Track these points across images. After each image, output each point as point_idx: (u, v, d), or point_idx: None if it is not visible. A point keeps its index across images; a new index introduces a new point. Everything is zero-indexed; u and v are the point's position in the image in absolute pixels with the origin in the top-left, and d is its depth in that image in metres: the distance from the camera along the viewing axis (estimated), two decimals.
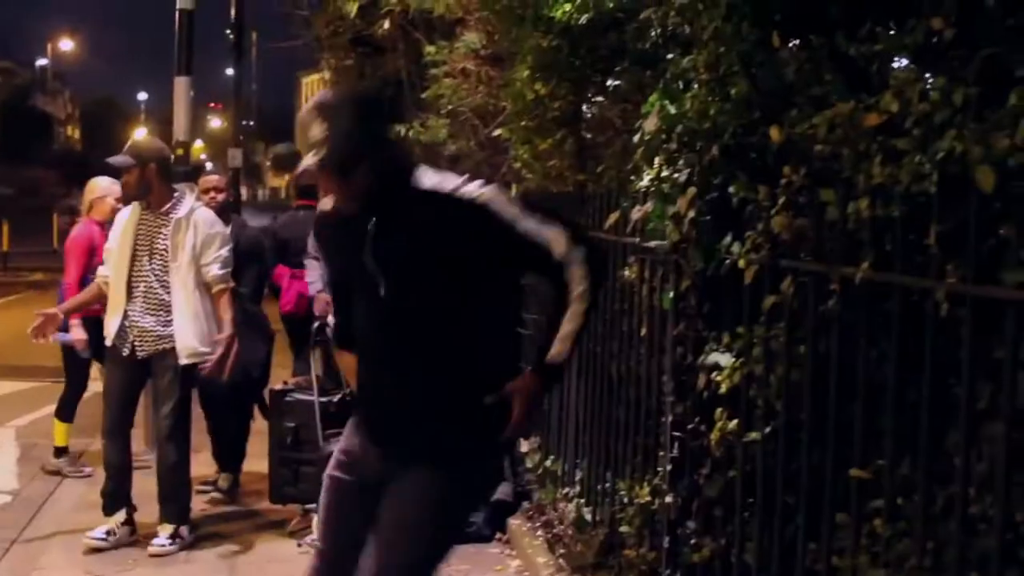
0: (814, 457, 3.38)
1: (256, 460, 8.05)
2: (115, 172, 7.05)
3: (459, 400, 3.62)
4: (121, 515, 6.98)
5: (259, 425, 8.15)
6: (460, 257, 3.52)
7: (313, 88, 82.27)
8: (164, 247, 6.80)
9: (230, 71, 30.95)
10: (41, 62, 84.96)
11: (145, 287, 6.82)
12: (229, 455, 8.20)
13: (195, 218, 6.84)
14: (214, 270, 6.81)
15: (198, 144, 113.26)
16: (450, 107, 8.89)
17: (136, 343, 6.81)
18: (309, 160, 3.43)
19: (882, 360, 3.00)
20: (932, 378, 2.74)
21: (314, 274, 7.54)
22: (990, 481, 2.61)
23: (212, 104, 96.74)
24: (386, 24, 9.51)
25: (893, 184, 2.80)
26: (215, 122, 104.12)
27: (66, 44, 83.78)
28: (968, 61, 2.80)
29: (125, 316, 6.79)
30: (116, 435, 7.00)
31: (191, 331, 6.83)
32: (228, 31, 25.77)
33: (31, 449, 9.92)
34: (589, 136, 6.38)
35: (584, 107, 6.33)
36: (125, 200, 7.02)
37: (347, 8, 10.54)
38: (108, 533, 6.90)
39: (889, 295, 2.91)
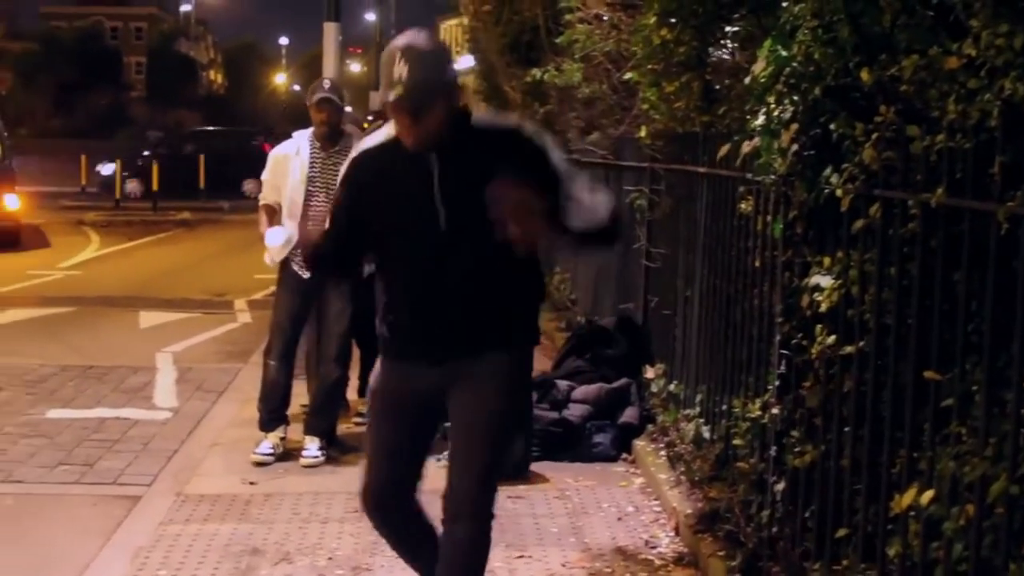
0: (900, 368, 3.76)
1: None
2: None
3: (505, 307, 4.13)
4: (280, 430, 7.57)
5: None
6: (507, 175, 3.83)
7: (452, 33, 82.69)
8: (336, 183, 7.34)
9: (371, 16, 31.36)
10: (185, 8, 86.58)
11: (317, 222, 7.35)
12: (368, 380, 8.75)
13: None
14: None
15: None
16: (584, 52, 9.25)
17: None
18: (386, 96, 3.81)
19: (955, 279, 3.37)
20: (994, 291, 3.11)
21: None
22: None
23: (352, 49, 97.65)
24: None
25: (965, 120, 3.16)
26: (355, 67, 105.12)
27: None
28: None
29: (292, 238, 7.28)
30: (284, 354, 7.57)
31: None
32: None
33: (187, 372, 10.65)
34: (712, 79, 6.71)
35: (709, 51, 6.66)
36: (330, 137, 7.46)
37: None
38: (272, 448, 7.49)
39: (960, 218, 3.28)
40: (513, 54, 14.97)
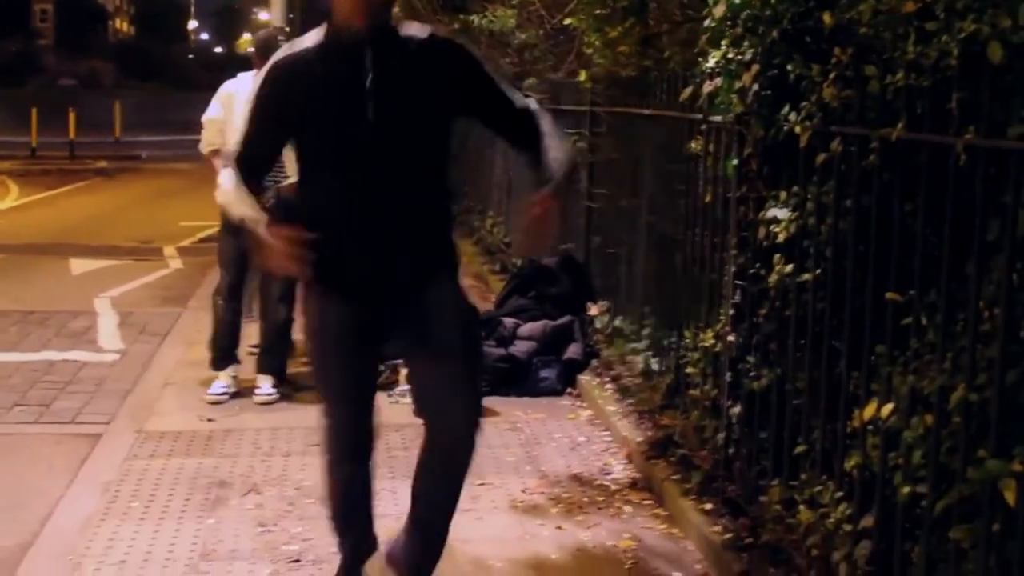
0: (856, 295, 4.04)
1: None
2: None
3: (443, 224, 4.22)
4: (232, 369, 7.76)
5: None
6: (446, 92, 4.01)
7: None
8: None
9: None
10: None
11: None
12: None
13: None
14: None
15: (245, 37, 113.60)
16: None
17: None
18: None
19: (913, 210, 3.65)
20: (952, 220, 3.39)
21: None
22: (995, 301, 3.25)
23: None
24: None
25: (923, 59, 3.43)
26: (263, 15, 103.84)
27: None
28: None
29: None
30: (233, 297, 7.75)
31: None
32: None
33: (128, 316, 10.77)
34: (653, 24, 6.95)
35: None
36: None
37: None
38: (225, 387, 7.68)
39: (919, 151, 3.55)
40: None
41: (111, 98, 34.88)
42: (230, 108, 7.55)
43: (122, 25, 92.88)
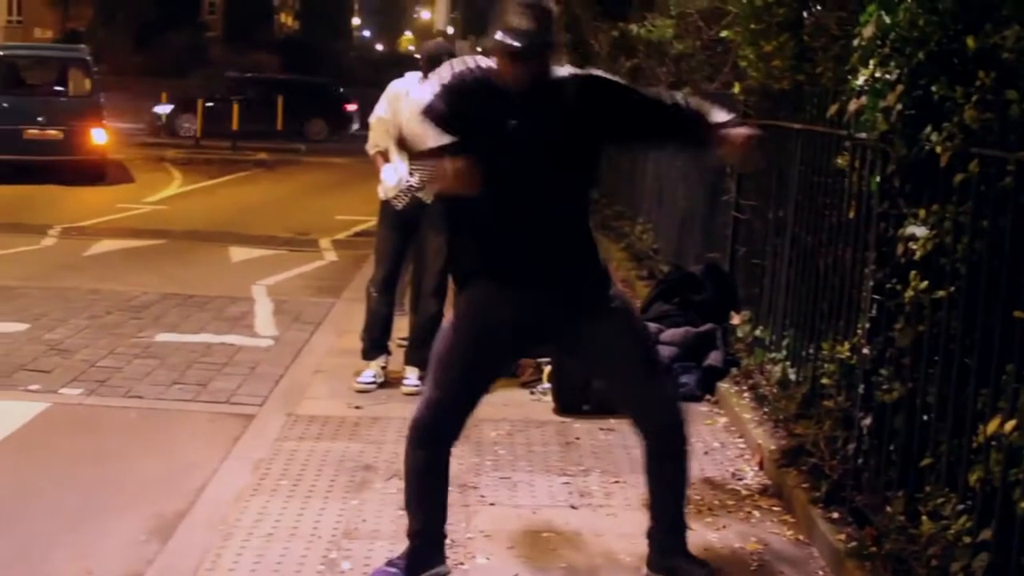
0: (988, 314, 4.13)
1: None
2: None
3: (585, 232, 4.70)
4: (382, 359, 8.03)
5: None
6: (595, 123, 4.51)
7: None
8: None
9: None
10: None
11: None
12: None
13: None
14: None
15: (407, 35, 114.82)
16: (679, 9, 9.59)
17: (418, 196, 7.75)
18: (501, 40, 4.30)
19: None
20: None
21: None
22: None
23: None
24: None
25: None
26: (425, 14, 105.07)
27: None
28: None
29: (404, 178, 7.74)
30: (386, 287, 8.02)
31: None
32: None
33: (282, 304, 11.16)
34: (808, 40, 7.05)
35: (804, 13, 7.00)
36: None
37: None
38: (374, 377, 7.96)
39: None
40: (599, 7, 15.29)
41: (274, 91, 35.56)
42: (397, 107, 7.80)
43: (287, 20, 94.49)
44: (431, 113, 4.48)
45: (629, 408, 4.94)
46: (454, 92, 4.50)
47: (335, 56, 62.68)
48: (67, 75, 23.58)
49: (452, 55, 7.71)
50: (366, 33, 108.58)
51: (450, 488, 6.01)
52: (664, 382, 4.86)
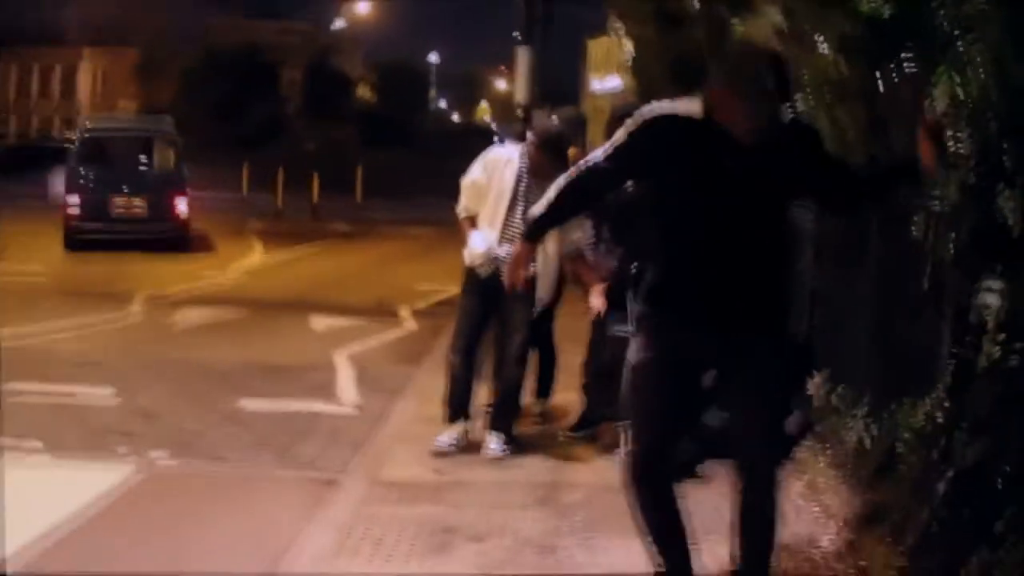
0: None
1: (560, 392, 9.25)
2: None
3: (774, 280, 4.74)
4: (463, 424, 8.15)
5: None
6: (799, 172, 4.65)
7: (599, 51, 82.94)
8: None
9: (517, 34, 31.97)
10: (338, 24, 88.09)
11: (514, 232, 7.83)
12: (545, 384, 9.30)
13: None
14: (576, 234, 7.93)
15: (483, 105, 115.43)
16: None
17: (501, 270, 7.88)
18: (740, 87, 4.45)
19: None
20: None
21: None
22: None
23: (501, 68, 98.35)
24: (696, 2, 10.36)
25: None
26: (500, 84, 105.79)
27: (363, 6, 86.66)
28: None
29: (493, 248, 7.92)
30: (468, 353, 8.15)
31: (547, 280, 7.99)
32: None
33: (364, 372, 11.31)
34: (881, 110, 7.13)
35: (879, 84, 7.09)
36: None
37: None
38: (454, 440, 8.07)
39: None
40: (677, 77, 15.41)
41: (353, 163, 36.07)
42: (492, 174, 7.99)
43: (364, 92, 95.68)
44: (620, 146, 4.76)
45: (737, 449, 5.03)
46: (655, 130, 4.68)
47: (411, 127, 63.54)
48: (152, 147, 24.08)
49: (568, 138, 7.96)
50: (442, 104, 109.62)
51: (530, 550, 6.18)
52: (776, 442, 4.97)
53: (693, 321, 4.73)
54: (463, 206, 8.16)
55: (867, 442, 6.73)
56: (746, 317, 4.68)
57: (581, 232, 7.99)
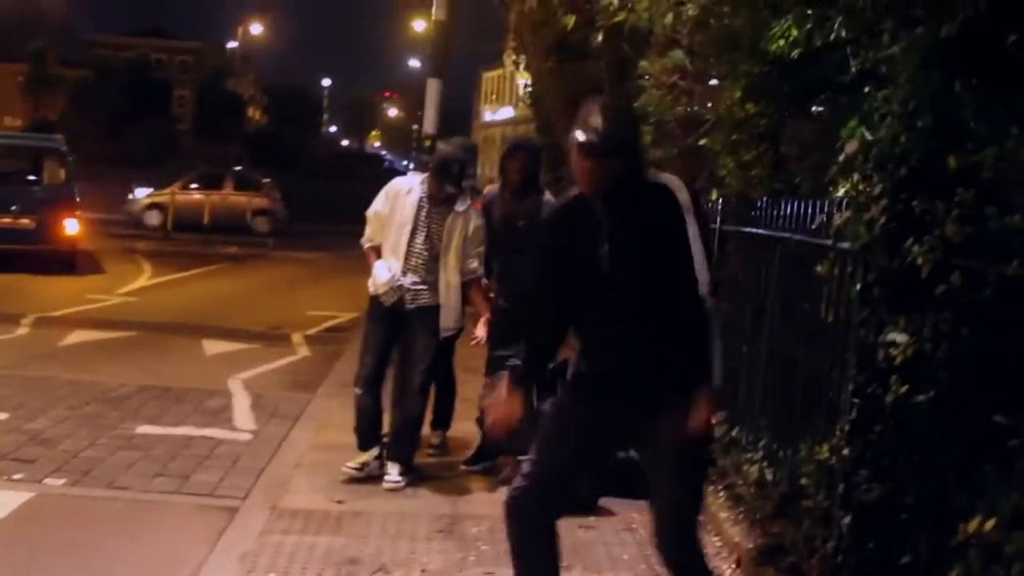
0: (967, 417, 4.33)
1: (459, 422, 9.28)
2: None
3: (685, 344, 4.63)
4: (374, 451, 8.15)
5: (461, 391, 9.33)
6: (672, 243, 4.54)
7: (493, 84, 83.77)
8: (438, 232, 7.96)
9: (412, 62, 32.16)
10: (231, 45, 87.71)
11: (417, 260, 7.96)
12: (443, 415, 9.31)
13: (469, 215, 8.02)
14: (473, 264, 7.99)
15: (374, 132, 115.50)
16: (657, 117, 9.84)
17: (406, 299, 7.94)
18: (578, 137, 4.45)
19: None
20: None
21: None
22: None
23: (389, 93, 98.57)
24: (599, 37, 10.49)
25: None
26: (392, 111, 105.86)
27: (256, 28, 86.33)
28: None
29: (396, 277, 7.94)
30: (372, 384, 8.16)
31: (452, 311, 8.04)
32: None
33: (259, 398, 11.25)
34: (786, 151, 7.31)
35: (785, 125, 7.26)
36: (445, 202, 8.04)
37: (564, 22, 11.67)
38: (362, 465, 8.08)
39: None
40: (573, 110, 15.55)
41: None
42: (394, 204, 8.02)
43: (255, 114, 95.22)
44: (545, 252, 4.86)
45: (659, 521, 4.94)
46: (554, 225, 4.78)
47: (302, 151, 63.24)
48: (42, 164, 23.70)
49: (465, 164, 8.02)
50: (332, 128, 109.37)
51: None
52: (695, 518, 4.93)
53: (613, 399, 4.75)
54: (367, 236, 8.20)
55: (769, 476, 6.83)
56: (664, 381, 4.66)
57: (478, 262, 8.07)
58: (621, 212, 4.55)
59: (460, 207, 7.95)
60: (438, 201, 7.92)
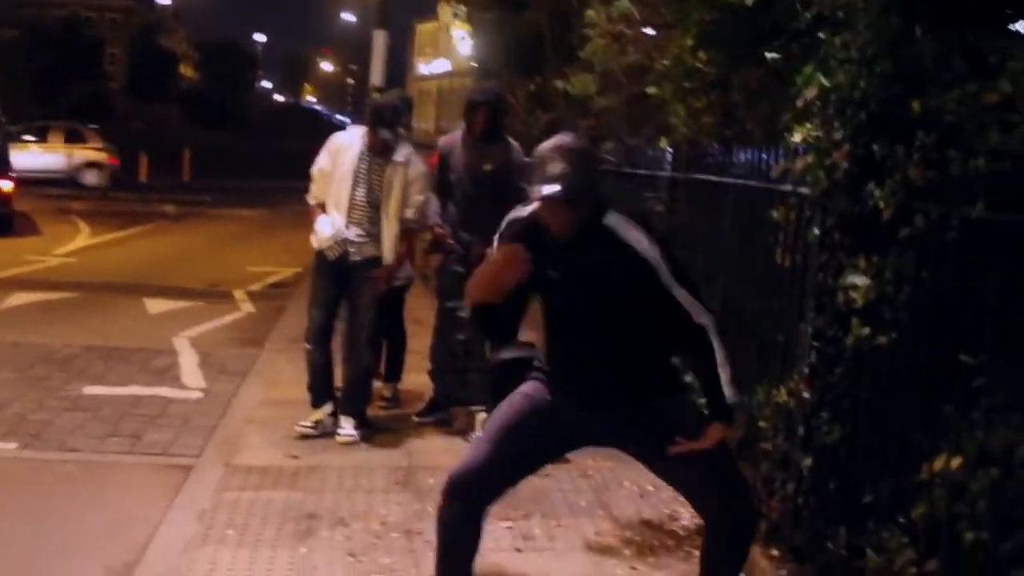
0: (930, 358, 4.38)
1: (409, 374, 9.28)
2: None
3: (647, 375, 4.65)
4: (327, 407, 8.14)
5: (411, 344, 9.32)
6: (626, 291, 4.48)
7: (428, 36, 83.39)
8: (379, 183, 7.93)
9: (346, 15, 31.97)
10: (162, 1, 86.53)
11: (360, 213, 7.95)
12: (394, 368, 9.31)
13: (409, 164, 7.99)
14: (409, 212, 7.97)
15: (308, 87, 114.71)
16: (603, 66, 9.85)
17: (349, 251, 7.92)
18: (541, 191, 4.34)
19: (987, 283, 4.00)
20: None
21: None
22: None
23: (325, 49, 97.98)
24: None
25: (1005, 147, 3.79)
26: (326, 66, 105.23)
27: None
28: None
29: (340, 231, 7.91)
30: (322, 339, 8.14)
31: (389, 253, 8.01)
32: None
33: (207, 356, 11.18)
34: (738, 98, 7.32)
35: (737, 72, 7.26)
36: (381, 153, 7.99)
37: None
38: (316, 423, 8.06)
39: (996, 230, 3.90)
40: (515, 62, 15.54)
41: (179, 143, 35.59)
42: (336, 159, 7.97)
43: (187, 71, 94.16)
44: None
45: (694, 498, 4.85)
46: (508, 237, 4.63)
47: (237, 107, 62.73)
48: None
49: (399, 110, 7.98)
50: (266, 84, 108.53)
51: (395, 534, 6.20)
52: (736, 485, 4.72)
53: (571, 399, 4.70)
54: (312, 193, 8.17)
55: None
56: (624, 395, 4.62)
57: (415, 211, 8.00)
58: (573, 257, 4.49)
59: (400, 157, 7.91)
60: (377, 152, 7.89)
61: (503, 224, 4.70)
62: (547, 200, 4.37)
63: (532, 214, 4.56)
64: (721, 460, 4.63)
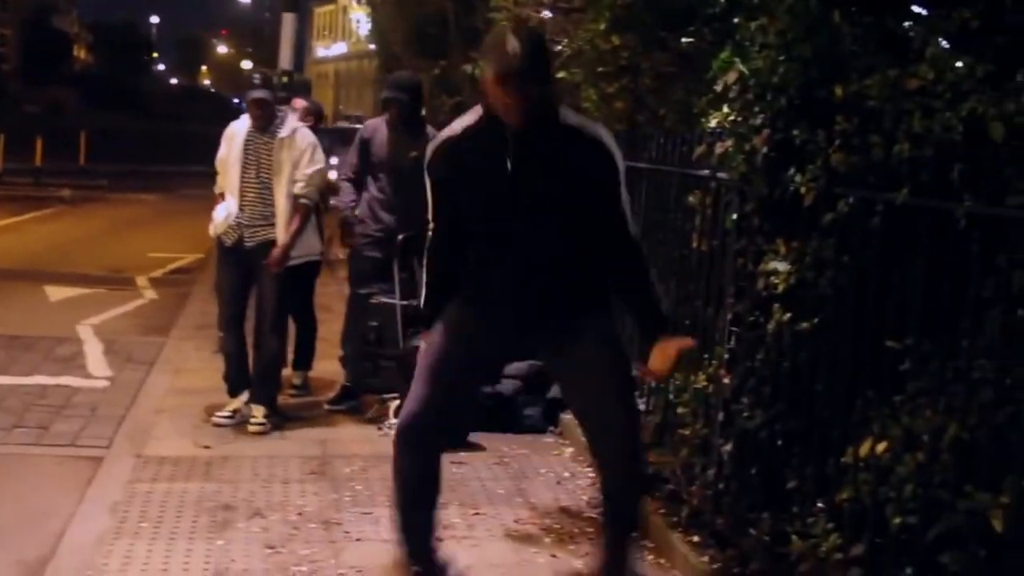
0: (854, 343, 4.40)
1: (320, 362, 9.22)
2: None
3: (581, 291, 4.61)
4: (244, 396, 8.04)
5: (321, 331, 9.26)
6: (583, 188, 4.42)
7: (326, 19, 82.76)
8: (268, 162, 7.83)
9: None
10: None
11: (252, 195, 7.85)
12: (304, 355, 9.22)
13: (295, 138, 7.89)
14: (298, 186, 7.87)
15: (203, 70, 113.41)
16: None
17: (245, 236, 7.82)
18: (496, 69, 4.22)
19: (911, 268, 4.02)
20: (954, 279, 3.77)
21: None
22: (989, 351, 3.62)
23: (223, 32, 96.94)
24: None
25: (928, 133, 3.81)
26: (221, 48, 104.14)
27: None
28: (989, 45, 3.80)
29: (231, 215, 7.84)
30: (233, 326, 8.04)
31: (283, 233, 7.91)
32: None
33: (112, 344, 11.02)
34: (649, 83, 7.31)
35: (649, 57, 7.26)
36: (263, 127, 7.91)
37: None
38: (233, 412, 7.97)
39: (920, 215, 3.93)
40: (418, 45, 15.44)
41: (75, 126, 35.00)
42: (230, 145, 7.91)
43: (80, 53, 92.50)
44: (431, 189, 4.71)
45: (594, 446, 4.90)
46: (437, 160, 4.60)
47: (133, 90, 61.76)
48: None
49: (267, 77, 7.98)
50: (161, 67, 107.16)
51: (313, 525, 6.13)
52: (635, 438, 4.84)
53: (502, 322, 4.68)
54: (217, 184, 8.09)
55: (642, 406, 6.89)
56: (559, 311, 4.60)
57: (305, 184, 7.91)
58: (532, 155, 4.41)
59: (284, 132, 7.82)
60: (261, 130, 7.81)
61: (429, 151, 4.64)
62: (505, 79, 4.24)
63: (474, 122, 4.50)
64: (630, 411, 4.78)
